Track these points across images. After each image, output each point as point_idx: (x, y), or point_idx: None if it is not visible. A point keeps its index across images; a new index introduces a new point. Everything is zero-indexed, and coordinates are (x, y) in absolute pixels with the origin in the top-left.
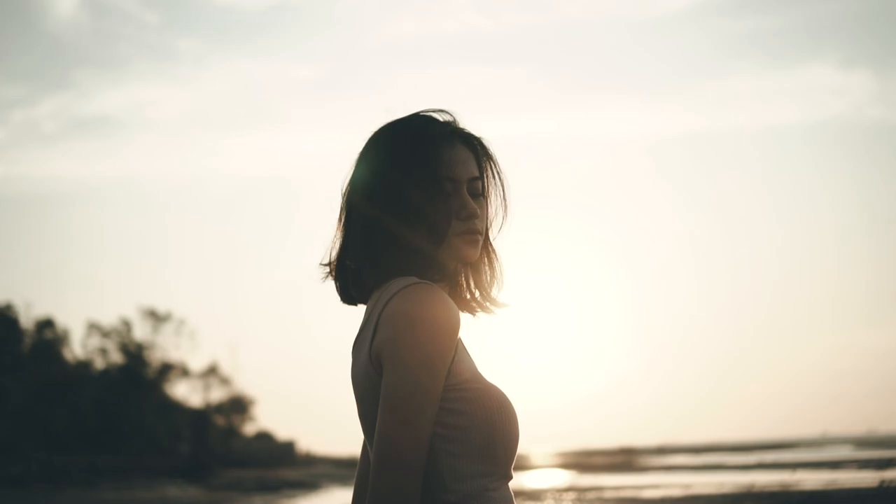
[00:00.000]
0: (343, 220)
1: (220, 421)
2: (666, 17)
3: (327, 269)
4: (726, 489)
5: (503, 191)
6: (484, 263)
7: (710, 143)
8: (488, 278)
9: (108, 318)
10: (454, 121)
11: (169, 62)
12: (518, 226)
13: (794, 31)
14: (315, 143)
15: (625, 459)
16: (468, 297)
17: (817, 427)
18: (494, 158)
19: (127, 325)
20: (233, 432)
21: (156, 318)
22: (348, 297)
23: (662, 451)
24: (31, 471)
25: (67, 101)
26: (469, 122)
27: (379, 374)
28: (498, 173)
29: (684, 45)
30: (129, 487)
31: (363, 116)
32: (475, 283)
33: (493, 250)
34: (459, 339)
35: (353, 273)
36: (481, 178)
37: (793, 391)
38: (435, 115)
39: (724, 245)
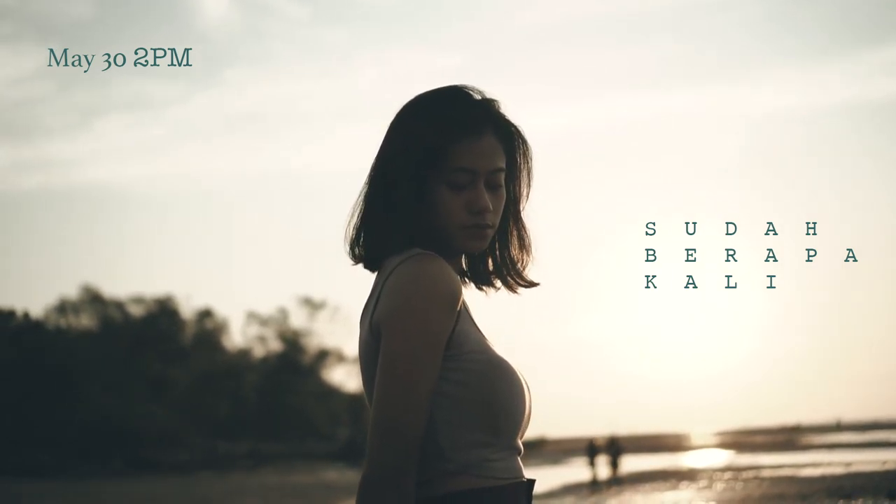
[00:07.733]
0: (364, 189)
1: None
2: None
3: (352, 237)
4: (888, 466)
5: (529, 178)
6: (513, 237)
7: (866, 114)
8: (517, 253)
9: (266, 307)
10: (492, 105)
11: (317, 56)
12: (674, 204)
13: None
14: None
15: (787, 438)
16: (491, 269)
17: None
18: (527, 147)
19: (284, 313)
20: None
21: (311, 305)
22: (369, 264)
23: (838, 427)
24: (196, 457)
25: (220, 97)
26: (617, 102)
27: (378, 342)
28: (528, 162)
29: (837, 13)
30: (289, 472)
31: (505, 103)
32: (501, 258)
33: (524, 226)
34: (465, 311)
35: (367, 240)
36: (507, 169)
37: None
38: (474, 95)
39: (888, 218)
